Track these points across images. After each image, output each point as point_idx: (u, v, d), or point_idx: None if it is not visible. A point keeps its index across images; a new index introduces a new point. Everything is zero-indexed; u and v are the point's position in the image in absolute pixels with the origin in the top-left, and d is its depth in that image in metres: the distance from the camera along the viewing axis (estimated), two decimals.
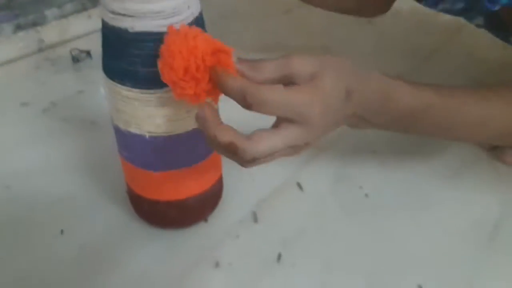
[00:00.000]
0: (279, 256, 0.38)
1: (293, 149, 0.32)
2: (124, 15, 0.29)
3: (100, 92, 0.35)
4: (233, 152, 0.30)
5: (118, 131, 0.35)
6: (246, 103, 0.29)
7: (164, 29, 0.29)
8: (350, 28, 0.71)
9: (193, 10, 0.32)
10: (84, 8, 0.66)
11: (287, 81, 0.31)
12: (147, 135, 0.33)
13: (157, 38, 0.29)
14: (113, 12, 0.30)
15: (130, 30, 0.30)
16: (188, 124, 0.34)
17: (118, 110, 0.33)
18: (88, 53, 0.62)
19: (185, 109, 0.33)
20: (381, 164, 0.47)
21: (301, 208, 0.42)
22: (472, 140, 0.46)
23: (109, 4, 0.30)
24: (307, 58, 0.31)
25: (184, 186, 0.37)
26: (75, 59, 0.61)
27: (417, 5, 0.55)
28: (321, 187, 0.44)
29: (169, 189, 0.37)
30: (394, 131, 0.39)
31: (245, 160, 0.30)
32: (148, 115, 0.32)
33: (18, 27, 0.60)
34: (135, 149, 0.35)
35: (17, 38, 0.60)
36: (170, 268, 0.37)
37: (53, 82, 0.57)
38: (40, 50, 0.63)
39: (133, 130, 0.33)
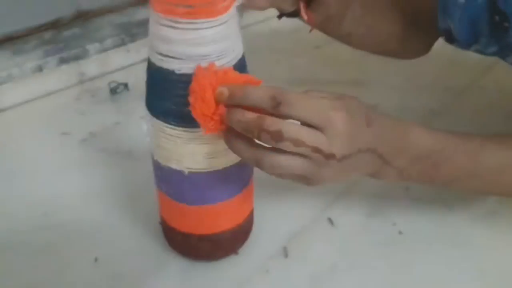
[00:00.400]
0: None
1: (316, 157, 0.30)
2: (172, 57, 0.31)
3: (142, 128, 0.36)
4: (259, 124, 0.29)
5: (157, 166, 0.36)
6: (275, 103, 0.29)
7: None
8: (380, 63, 0.71)
9: (237, 53, 0.33)
10: (123, 43, 0.69)
11: None
12: (186, 171, 0.34)
13: None
14: (161, 54, 0.31)
15: (177, 72, 0.31)
16: (225, 160, 0.35)
17: (160, 146, 0.34)
18: (125, 86, 0.64)
19: (223, 146, 0.33)
20: (414, 201, 0.46)
21: (332, 244, 0.42)
22: (492, 189, 0.41)
23: (158, 46, 0.31)
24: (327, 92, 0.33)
25: (218, 220, 0.38)
26: (113, 91, 0.64)
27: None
28: (352, 223, 0.44)
29: (203, 223, 0.37)
30: (416, 181, 0.38)
31: (271, 130, 0.29)
32: (188, 152, 0.33)
33: (62, 61, 0.63)
34: (173, 183, 0.36)
35: (60, 71, 0.63)
36: None
37: (92, 113, 0.60)
38: (81, 82, 0.65)
39: (173, 165, 0.34)
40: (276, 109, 0.30)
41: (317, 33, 0.54)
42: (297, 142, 0.30)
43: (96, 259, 0.40)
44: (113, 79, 0.65)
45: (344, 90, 0.66)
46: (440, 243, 0.42)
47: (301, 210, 0.45)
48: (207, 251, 0.39)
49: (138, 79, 0.66)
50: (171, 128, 0.33)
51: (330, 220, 0.44)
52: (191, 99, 0.30)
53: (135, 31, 0.70)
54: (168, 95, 0.32)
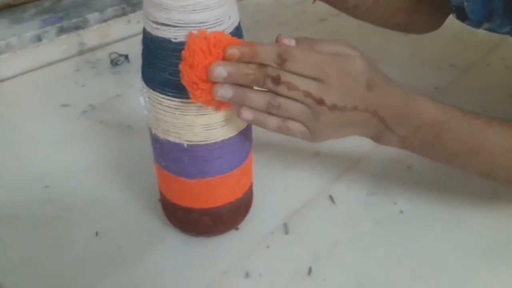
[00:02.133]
0: (310, 270, 0.38)
1: (308, 102, 0.33)
2: (168, 25, 0.30)
3: (140, 101, 0.35)
4: (263, 72, 0.31)
5: (156, 140, 0.35)
6: (280, 60, 0.31)
7: None
8: (385, 38, 0.70)
9: (233, 20, 0.32)
10: (124, 13, 0.67)
11: None
12: (185, 143, 0.34)
13: None
14: (156, 23, 0.30)
15: (174, 40, 0.30)
16: (225, 132, 0.34)
17: (158, 119, 0.34)
18: (126, 57, 0.63)
19: (222, 118, 0.33)
20: (416, 181, 0.46)
21: (333, 221, 0.42)
22: (493, 170, 0.39)
23: (153, 14, 0.30)
24: (351, 47, 0.35)
25: (218, 194, 0.37)
26: (114, 63, 0.63)
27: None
28: (353, 201, 0.44)
29: (204, 197, 0.37)
30: (418, 151, 0.38)
31: (273, 76, 0.31)
32: (187, 124, 0.33)
33: (61, 30, 0.62)
34: (173, 157, 0.35)
35: (60, 41, 0.62)
36: (201, 276, 0.38)
37: (93, 85, 0.59)
38: (81, 53, 0.64)
39: (172, 139, 0.34)
40: (281, 66, 0.32)
41: (321, 5, 0.53)
42: (290, 86, 0.32)
43: (97, 233, 0.41)
44: (113, 50, 0.64)
45: None
46: (440, 223, 0.42)
47: (302, 187, 0.45)
48: (207, 225, 0.39)
49: (139, 50, 0.65)
50: (168, 99, 0.32)
51: (331, 198, 0.44)
52: (181, 65, 0.30)
53: (135, 1, 0.68)
54: (164, 65, 0.31)
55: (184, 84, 0.30)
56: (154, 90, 0.33)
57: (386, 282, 0.37)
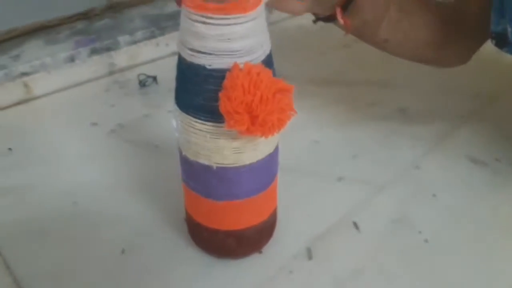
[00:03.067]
0: None
1: None
2: (203, 52, 0.31)
3: (171, 123, 0.36)
4: None
5: (185, 161, 0.36)
6: None
7: (228, 66, 0.31)
8: (408, 65, 0.70)
9: (265, 48, 0.33)
10: (153, 36, 0.69)
11: None
12: (214, 166, 0.34)
13: None
14: (192, 50, 0.31)
15: (208, 67, 0.31)
16: (254, 155, 0.35)
17: (189, 141, 0.34)
18: (154, 79, 0.65)
19: (252, 142, 0.34)
20: (441, 209, 0.46)
21: (357, 248, 0.42)
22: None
23: (190, 41, 0.31)
24: None
25: (245, 216, 0.38)
26: (142, 84, 0.64)
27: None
28: (378, 228, 0.44)
29: (230, 219, 0.38)
30: None
31: None
32: (217, 146, 0.34)
33: (93, 52, 0.64)
34: (201, 179, 0.36)
35: (91, 62, 0.64)
36: None
37: (121, 104, 0.61)
38: (111, 73, 0.66)
39: (201, 161, 0.35)
40: None
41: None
42: None
43: (123, 251, 0.41)
44: (142, 71, 0.66)
45: (372, 91, 0.66)
46: (467, 255, 0.41)
47: (326, 212, 0.45)
48: (232, 247, 0.39)
49: (166, 72, 0.67)
50: (201, 123, 0.33)
51: (356, 224, 0.44)
52: (221, 94, 0.31)
53: (164, 24, 0.70)
54: (198, 90, 0.32)
55: (221, 111, 0.31)
56: (187, 113, 0.34)
57: None
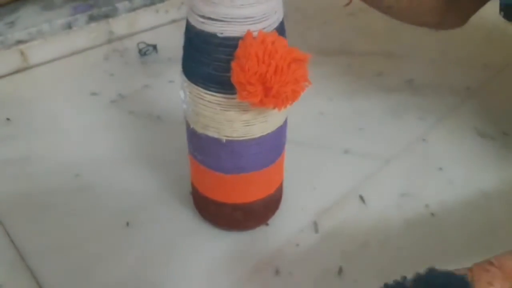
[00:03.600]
0: (340, 270, 0.38)
1: None
2: (214, 19, 0.30)
3: (180, 95, 0.35)
4: None
5: (193, 134, 0.35)
6: None
7: (240, 34, 0.30)
8: (415, 34, 0.69)
9: (279, 15, 0.32)
10: (152, 3, 0.67)
11: None
12: (224, 139, 0.33)
13: None
14: (203, 16, 0.30)
15: (219, 35, 0.30)
16: (264, 128, 0.34)
17: (198, 113, 0.33)
18: (154, 47, 0.63)
19: (262, 115, 0.33)
20: (447, 183, 0.45)
21: (363, 221, 0.42)
22: None
23: (200, 8, 0.30)
24: None
25: (252, 189, 0.37)
26: (142, 52, 0.62)
27: (486, 15, 0.53)
28: (384, 202, 0.43)
29: (238, 192, 0.37)
30: None
31: None
32: (227, 119, 0.33)
33: (91, 18, 0.62)
34: (210, 152, 0.35)
35: (89, 29, 0.62)
36: (231, 271, 0.38)
37: (121, 74, 0.59)
38: (109, 41, 0.64)
39: (210, 133, 0.34)
40: None
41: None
42: None
43: (128, 224, 0.41)
44: (141, 39, 0.64)
45: (378, 62, 0.64)
46: (473, 229, 0.41)
47: (332, 186, 0.45)
48: (239, 220, 0.39)
49: (166, 41, 0.65)
50: (210, 94, 0.32)
51: (361, 198, 0.44)
52: (233, 64, 0.29)
53: None
54: (208, 60, 0.31)
55: (233, 82, 0.29)
56: (196, 84, 0.32)
57: None
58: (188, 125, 0.36)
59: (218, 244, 0.39)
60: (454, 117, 0.54)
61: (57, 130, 0.50)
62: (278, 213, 0.41)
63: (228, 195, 0.37)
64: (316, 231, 0.41)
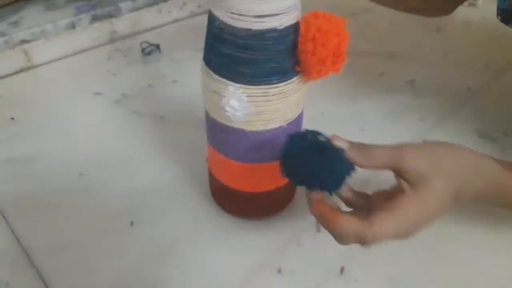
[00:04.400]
0: (342, 270, 0.38)
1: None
2: (273, 15, 0.30)
3: (232, 105, 0.34)
4: (359, 239, 0.31)
5: (246, 137, 0.35)
6: (361, 241, 0.31)
7: (296, 20, 0.31)
8: (417, 35, 0.70)
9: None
10: (155, 2, 0.67)
11: (395, 172, 0.33)
12: (285, 124, 0.35)
13: (294, 29, 0.32)
14: (260, 16, 0.30)
15: (279, 28, 0.31)
16: (304, 101, 0.36)
17: (260, 112, 0.34)
18: (157, 47, 0.63)
19: (303, 95, 0.35)
20: None
21: None
22: None
23: (254, 9, 0.30)
24: (420, 157, 0.32)
25: (270, 179, 0.39)
26: (146, 52, 0.63)
27: (487, 16, 0.54)
28: None
29: (267, 180, 0.39)
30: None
31: (369, 242, 0.31)
32: (291, 102, 0.34)
33: (95, 18, 0.62)
34: (269, 145, 0.36)
35: (92, 29, 0.62)
36: (234, 269, 0.38)
37: (124, 73, 0.59)
38: (112, 41, 0.65)
39: (273, 126, 0.35)
40: (366, 246, 0.31)
41: (353, 0, 0.52)
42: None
43: (132, 223, 0.41)
44: (144, 39, 0.64)
45: (379, 62, 0.65)
46: (473, 227, 0.42)
47: None
48: (272, 206, 0.41)
49: (169, 40, 0.66)
50: (275, 87, 0.33)
51: None
52: (308, 46, 0.31)
53: None
54: (270, 55, 0.32)
55: (310, 61, 0.31)
56: (257, 84, 0.33)
57: (419, 285, 0.37)
58: (242, 130, 0.35)
59: (221, 243, 0.40)
60: (455, 117, 0.54)
61: (61, 129, 0.51)
62: (281, 212, 0.42)
63: (258, 184, 0.39)
64: (318, 230, 0.41)
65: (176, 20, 0.70)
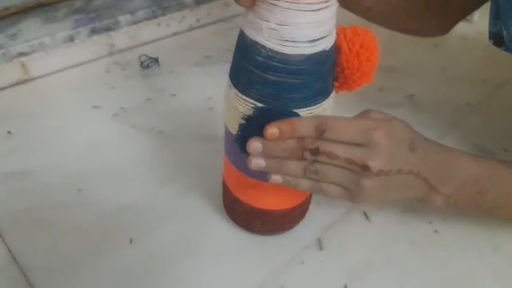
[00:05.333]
0: (345, 287, 0.38)
1: (352, 168, 0.32)
2: (323, 37, 0.30)
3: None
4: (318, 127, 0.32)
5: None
6: (319, 131, 0.32)
7: (334, 38, 0.32)
8: (415, 51, 0.70)
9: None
10: (154, 16, 0.67)
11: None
12: None
13: (335, 47, 0.32)
14: (312, 41, 0.30)
15: (327, 49, 0.31)
16: None
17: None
18: (156, 60, 0.63)
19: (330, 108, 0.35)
20: None
21: (367, 239, 0.42)
22: None
23: (307, 34, 0.30)
24: (383, 113, 0.35)
25: (286, 198, 0.38)
26: (144, 65, 0.62)
27: (483, 31, 0.54)
28: (388, 218, 0.43)
29: (285, 197, 0.38)
30: (462, 207, 0.38)
31: (311, 148, 0.32)
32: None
33: (93, 31, 0.62)
34: None
35: (91, 42, 0.62)
36: (238, 286, 0.37)
37: (123, 87, 0.59)
38: (111, 54, 0.64)
39: None
40: (320, 137, 0.32)
41: (347, 15, 0.52)
42: (330, 155, 0.32)
43: (131, 240, 0.40)
44: (142, 52, 0.64)
45: (378, 77, 0.65)
46: (475, 246, 0.41)
47: (335, 203, 0.44)
48: (283, 223, 0.40)
49: (168, 54, 0.65)
50: (319, 106, 0.33)
51: (365, 214, 0.44)
52: (355, 63, 0.32)
53: (166, 4, 0.68)
54: (319, 76, 0.32)
55: (352, 78, 0.32)
56: (304, 107, 0.32)
57: None
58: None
59: (222, 261, 0.39)
60: (454, 133, 0.54)
61: (59, 143, 0.50)
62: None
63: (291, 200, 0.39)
64: (321, 248, 0.41)
65: (175, 34, 0.70)
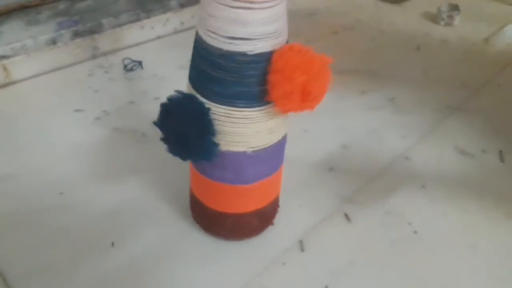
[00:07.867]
0: None
1: None
2: (245, 39, 0.30)
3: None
4: None
5: None
6: None
7: (272, 48, 0.31)
8: (396, 54, 0.71)
9: (287, 30, 0.33)
10: (138, 19, 0.67)
11: None
12: (250, 150, 0.35)
13: (268, 57, 0.31)
14: (231, 38, 0.30)
15: (250, 53, 0.31)
16: (282, 132, 0.36)
17: (223, 132, 0.34)
18: (140, 63, 0.63)
19: (284, 119, 0.35)
20: (430, 200, 0.46)
21: (348, 240, 0.42)
22: None
23: (227, 30, 0.30)
24: None
25: (269, 192, 0.39)
26: (128, 68, 0.62)
27: (464, 35, 0.55)
28: (369, 220, 0.44)
29: (257, 198, 0.39)
30: None
31: None
32: (256, 130, 0.34)
33: (76, 34, 0.62)
34: (233, 167, 0.35)
35: (74, 45, 0.62)
36: None
37: (106, 90, 0.59)
38: (94, 57, 0.64)
39: (235, 149, 0.34)
40: None
41: (334, 18, 0.53)
42: None
43: (113, 244, 0.40)
44: (126, 55, 0.64)
45: (361, 80, 0.66)
46: (455, 246, 0.42)
47: (317, 205, 0.45)
48: (255, 226, 0.40)
49: (152, 57, 0.65)
50: (239, 110, 0.33)
51: (347, 216, 0.44)
52: (273, 77, 0.31)
53: (150, 7, 0.68)
54: (237, 78, 0.32)
55: (273, 94, 0.31)
56: (223, 104, 0.33)
57: None
58: None
59: (204, 264, 0.39)
60: (435, 135, 0.55)
61: (41, 147, 0.50)
62: (262, 232, 0.42)
63: (248, 204, 0.38)
64: (302, 250, 0.41)
65: (159, 37, 0.70)
